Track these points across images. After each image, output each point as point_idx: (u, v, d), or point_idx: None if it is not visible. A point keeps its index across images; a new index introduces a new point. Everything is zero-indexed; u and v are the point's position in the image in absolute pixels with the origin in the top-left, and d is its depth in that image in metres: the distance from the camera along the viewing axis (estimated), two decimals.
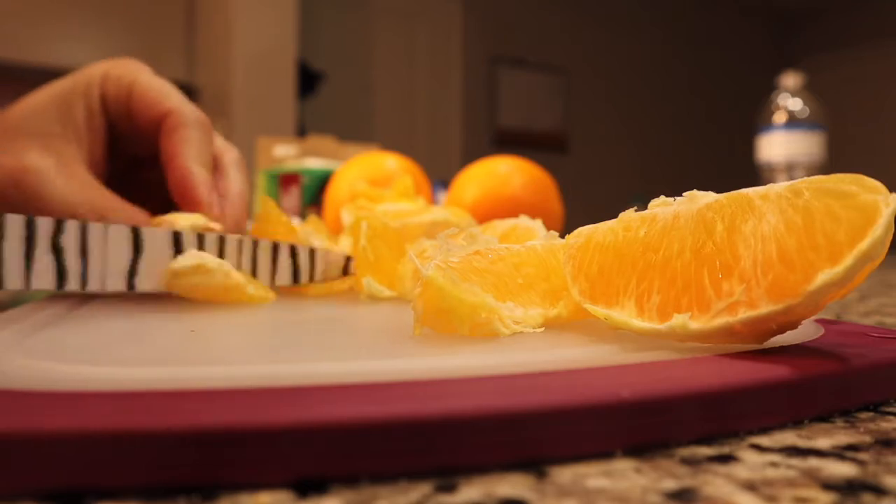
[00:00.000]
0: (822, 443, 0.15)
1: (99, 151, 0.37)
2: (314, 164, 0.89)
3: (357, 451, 0.13)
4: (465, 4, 3.53)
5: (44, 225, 0.27)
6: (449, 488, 0.12)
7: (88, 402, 0.14)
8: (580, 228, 0.23)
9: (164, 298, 0.31)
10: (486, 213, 0.60)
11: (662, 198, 0.22)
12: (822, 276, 0.16)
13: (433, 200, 0.77)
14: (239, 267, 0.32)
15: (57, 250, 0.27)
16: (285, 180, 0.86)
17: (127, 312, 0.27)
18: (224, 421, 0.13)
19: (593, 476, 0.13)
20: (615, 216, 0.22)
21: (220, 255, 0.31)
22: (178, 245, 0.30)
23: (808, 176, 0.18)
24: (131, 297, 0.31)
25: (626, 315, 0.20)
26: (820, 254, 0.16)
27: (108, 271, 0.29)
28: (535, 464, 0.14)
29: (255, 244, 0.33)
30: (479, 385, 0.15)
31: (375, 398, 0.14)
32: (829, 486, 0.13)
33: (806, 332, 0.22)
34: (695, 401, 0.15)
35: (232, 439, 0.12)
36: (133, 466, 0.12)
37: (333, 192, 0.67)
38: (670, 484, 0.13)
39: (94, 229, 0.28)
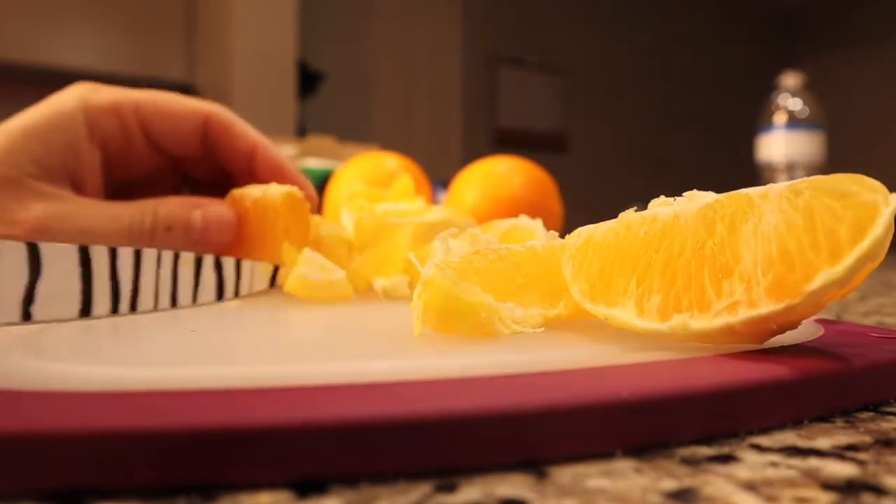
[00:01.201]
0: (822, 443, 0.15)
1: (97, 180, 0.35)
2: (314, 164, 0.89)
3: (357, 451, 0.13)
4: (465, 4, 3.53)
5: None
6: (449, 488, 0.12)
7: (88, 402, 0.14)
8: (580, 228, 0.23)
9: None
10: (486, 213, 0.60)
11: (662, 198, 0.22)
12: (823, 276, 0.16)
13: (433, 200, 0.77)
14: (156, 283, 0.28)
15: None
16: None
17: (127, 313, 0.27)
18: (224, 421, 0.13)
19: (593, 476, 0.13)
20: (615, 216, 0.22)
21: (137, 269, 0.27)
22: (86, 263, 0.25)
23: (808, 176, 0.18)
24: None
25: (627, 315, 0.20)
26: (820, 254, 0.16)
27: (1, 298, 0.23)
28: (535, 464, 0.14)
29: (177, 258, 0.29)
30: (479, 385, 0.15)
31: (375, 398, 0.14)
32: (829, 486, 0.13)
33: (806, 332, 0.22)
34: (695, 401, 0.15)
35: (232, 439, 0.12)
36: (133, 466, 0.12)
37: (333, 192, 0.67)
38: (670, 484, 0.13)
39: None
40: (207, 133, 0.36)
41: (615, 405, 0.14)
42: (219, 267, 0.32)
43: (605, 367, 0.17)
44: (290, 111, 2.35)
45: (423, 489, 0.12)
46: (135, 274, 0.27)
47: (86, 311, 0.26)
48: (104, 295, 0.26)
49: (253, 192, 0.35)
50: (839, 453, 0.14)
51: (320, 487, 0.12)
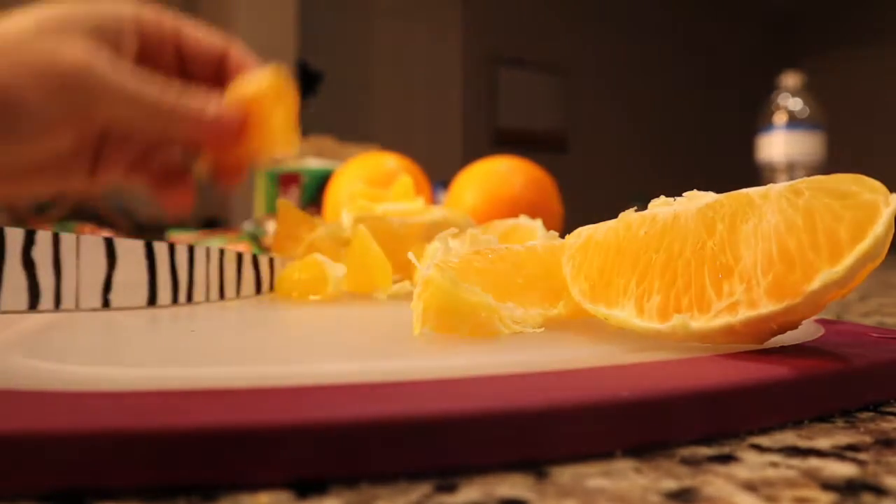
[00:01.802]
0: (822, 443, 0.15)
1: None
2: (314, 164, 0.89)
3: (357, 451, 0.13)
4: (464, 4, 3.53)
5: (14, 237, 0.25)
6: (449, 488, 0.12)
7: (88, 402, 0.14)
8: (580, 228, 0.23)
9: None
10: (486, 213, 0.60)
11: (662, 198, 0.22)
12: (823, 276, 0.16)
13: (433, 200, 0.77)
14: (207, 277, 0.32)
15: (28, 265, 0.25)
16: (285, 180, 0.86)
17: (127, 313, 0.27)
18: (224, 421, 0.13)
19: (593, 476, 0.13)
20: (615, 216, 0.22)
21: (191, 263, 0.31)
22: (150, 256, 0.29)
23: (808, 176, 0.18)
24: None
25: (626, 315, 0.20)
26: (820, 254, 0.16)
27: (83, 285, 0.27)
28: (535, 464, 0.14)
29: (222, 254, 0.33)
30: (479, 385, 0.15)
31: (375, 398, 0.14)
32: (829, 486, 0.13)
33: (806, 332, 0.22)
34: (695, 401, 0.15)
35: (232, 439, 0.12)
36: (133, 466, 0.12)
37: (333, 192, 0.67)
38: (670, 484, 0.13)
39: (66, 240, 0.26)
40: (223, 64, 0.40)
41: (615, 405, 0.14)
42: (256, 264, 0.35)
43: (605, 367, 0.17)
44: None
45: (423, 489, 0.12)
46: (189, 267, 0.31)
47: (152, 299, 0.29)
48: (166, 285, 0.30)
49: (247, 88, 0.36)
50: (839, 453, 0.14)
51: (320, 487, 0.12)
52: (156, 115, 0.33)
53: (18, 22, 0.34)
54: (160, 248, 0.29)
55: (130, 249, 0.28)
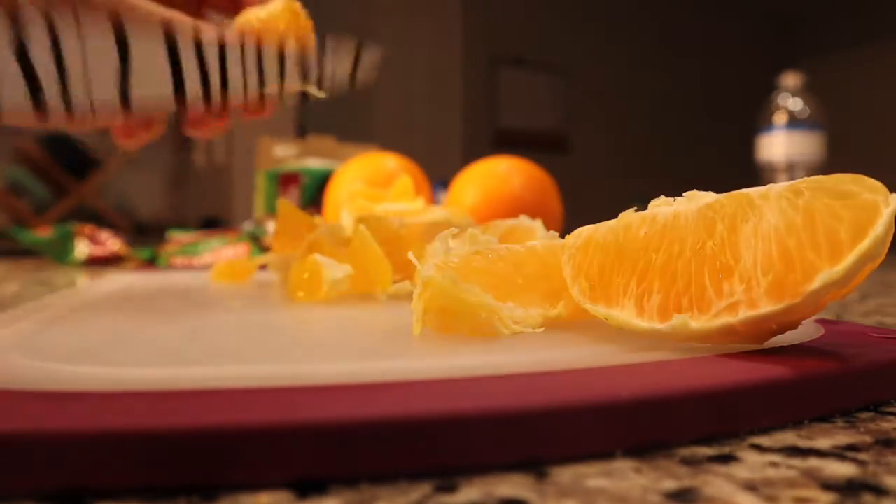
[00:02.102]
0: (822, 443, 0.15)
1: None
2: (314, 164, 0.89)
3: (357, 451, 0.13)
4: (465, 4, 3.53)
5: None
6: (449, 488, 0.12)
7: (88, 402, 0.14)
8: (580, 228, 0.23)
9: (165, 298, 0.31)
10: (486, 213, 0.60)
11: (662, 198, 0.22)
12: (823, 276, 0.16)
13: (433, 200, 0.77)
14: (243, 76, 0.29)
15: (23, 55, 0.23)
16: (285, 180, 0.86)
17: (127, 313, 0.27)
18: (224, 421, 0.13)
19: (593, 476, 0.13)
20: (615, 216, 0.22)
21: (223, 61, 0.28)
22: (173, 53, 0.26)
23: (808, 176, 0.18)
24: (132, 297, 0.31)
25: (627, 315, 0.20)
26: (820, 254, 0.16)
27: (93, 79, 0.24)
28: (535, 464, 0.14)
29: (260, 50, 0.30)
30: (479, 385, 0.15)
31: (375, 398, 0.14)
32: (829, 486, 0.13)
33: (806, 332, 0.22)
34: (695, 401, 0.15)
35: (232, 439, 0.12)
36: (133, 466, 0.12)
37: (333, 192, 0.67)
38: (670, 484, 0.13)
39: (67, 37, 0.24)
40: None
41: (615, 405, 0.14)
42: (303, 62, 0.32)
43: (605, 367, 0.17)
44: (290, 111, 2.35)
45: (423, 489, 0.12)
46: (221, 64, 0.28)
47: (179, 91, 0.27)
48: (193, 74, 0.27)
49: (258, 13, 0.35)
50: (839, 453, 0.14)
51: (320, 487, 0.12)
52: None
53: None
54: (183, 38, 0.27)
55: (145, 42, 0.26)
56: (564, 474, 0.13)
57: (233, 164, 2.26)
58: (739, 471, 0.13)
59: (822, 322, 0.25)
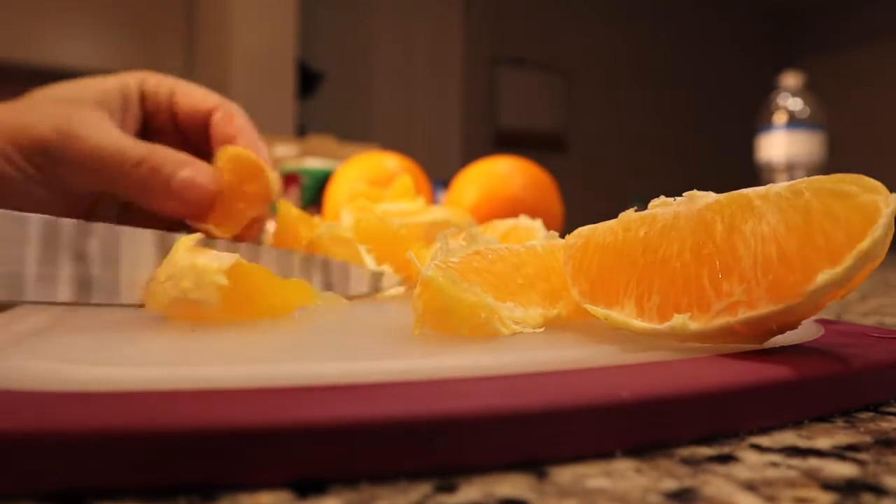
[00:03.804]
0: (822, 443, 0.15)
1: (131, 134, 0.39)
2: (314, 164, 0.89)
3: (357, 451, 0.13)
4: (465, 4, 3.53)
5: (67, 227, 0.25)
6: (449, 488, 0.12)
7: (88, 402, 0.14)
8: (580, 228, 0.23)
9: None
10: (486, 213, 0.60)
11: (662, 198, 0.22)
12: (822, 277, 0.16)
13: (433, 200, 0.77)
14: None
15: (81, 256, 0.25)
16: (285, 180, 0.86)
17: (127, 312, 0.27)
18: (224, 421, 0.13)
19: (593, 476, 0.13)
20: (615, 216, 0.22)
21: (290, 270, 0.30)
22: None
23: (808, 176, 0.18)
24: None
25: (626, 315, 0.20)
26: (820, 254, 0.16)
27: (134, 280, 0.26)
28: (535, 464, 0.14)
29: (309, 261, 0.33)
30: (479, 385, 0.15)
31: (375, 398, 0.14)
32: (829, 486, 0.13)
33: (806, 332, 0.22)
34: (695, 401, 0.15)
35: (232, 439, 0.12)
36: (133, 466, 0.12)
37: (333, 192, 0.67)
38: (670, 484, 0.13)
39: (124, 234, 0.26)
40: (212, 121, 0.41)
41: (615, 405, 0.14)
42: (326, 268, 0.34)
43: (605, 367, 0.17)
44: (290, 111, 2.35)
45: (423, 489, 0.12)
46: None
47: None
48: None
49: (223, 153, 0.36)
50: (839, 453, 0.14)
51: (320, 487, 0.12)
52: (128, 166, 0.34)
53: (38, 95, 0.37)
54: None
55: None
56: (564, 474, 0.13)
57: None
58: (739, 471, 0.13)
59: (822, 322, 0.25)
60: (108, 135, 0.35)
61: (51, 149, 0.34)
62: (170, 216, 0.36)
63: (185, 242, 0.26)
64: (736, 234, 0.18)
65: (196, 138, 0.41)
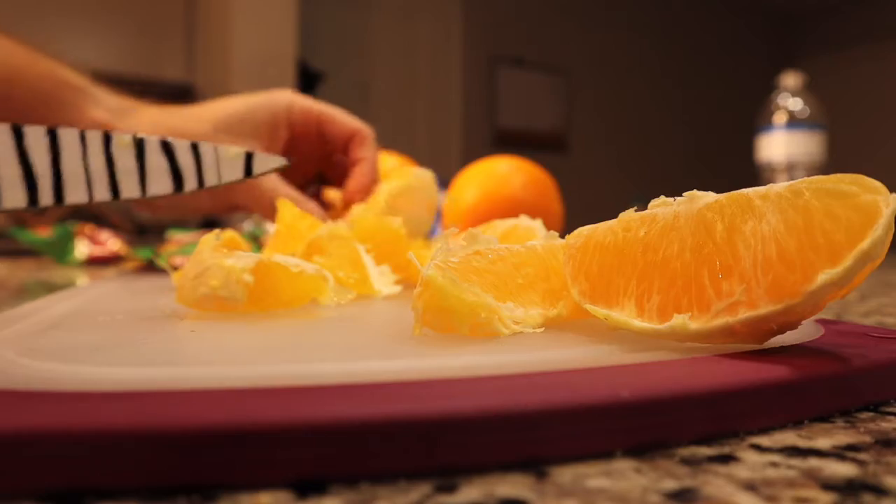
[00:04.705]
0: (822, 443, 0.15)
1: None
2: None
3: (357, 451, 0.13)
4: (465, 4, 3.53)
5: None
6: (449, 488, 0.12)
7: (88, 402, 0.14)
8: (580, 228, 0.23)
9: (164, 298, 0.31)
10: (486, 213, 0.60)
11: (662, 198, 0.22)
12: (822, 277, 0.16)
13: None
14: (86, 169, 0.27)
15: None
16: None
17: (128, 312, 0.27)
18: (224, 421, 0.13)
19: (593, 476, 0.13)
20: (615, 216, 0.22)
21: (55, 153, 0.26)
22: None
23: (808, 176, 0.18)
24: (131, 297, 0.31)
25: (626, 315, 0.20)
26: (820, 254, 0.16)
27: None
28: (535, 464, 0.14)
29: (107, 140, 0.28)
30: (479, 385, 0.15)
31: (375, 398, 0.14)
32: (829, 486, 0.13)
33: (806, 332, 0.22)
34: (695, 401, 0.15)
35: (232, 439, 0.12)
36: (133, 466, 0.12)
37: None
38: (670, 484, 0.13)
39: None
40: (350, 145, 0.52)
41: (615, 405, 0.14)
42: (169, 151, 0.29)
43: (605, 367, 0.17)
44: None
45: (423, 489, 0.12)
46: (53, 160, 0.26)
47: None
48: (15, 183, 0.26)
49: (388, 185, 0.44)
50: (839, 453, 0.14)
51: (320, 487, 0.12)
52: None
53: (198, 120, 0.47)
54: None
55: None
56: (564, 474, 0.13)
57: None
58: (739, 471, 0.13)
59: (822, 322, 0.25)
60: (283, 186, 0.46)
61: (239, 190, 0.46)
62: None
63: (208, 241, 0.27)
64: (736, 234, 0.18)
65: (335, 147, 0.52)
